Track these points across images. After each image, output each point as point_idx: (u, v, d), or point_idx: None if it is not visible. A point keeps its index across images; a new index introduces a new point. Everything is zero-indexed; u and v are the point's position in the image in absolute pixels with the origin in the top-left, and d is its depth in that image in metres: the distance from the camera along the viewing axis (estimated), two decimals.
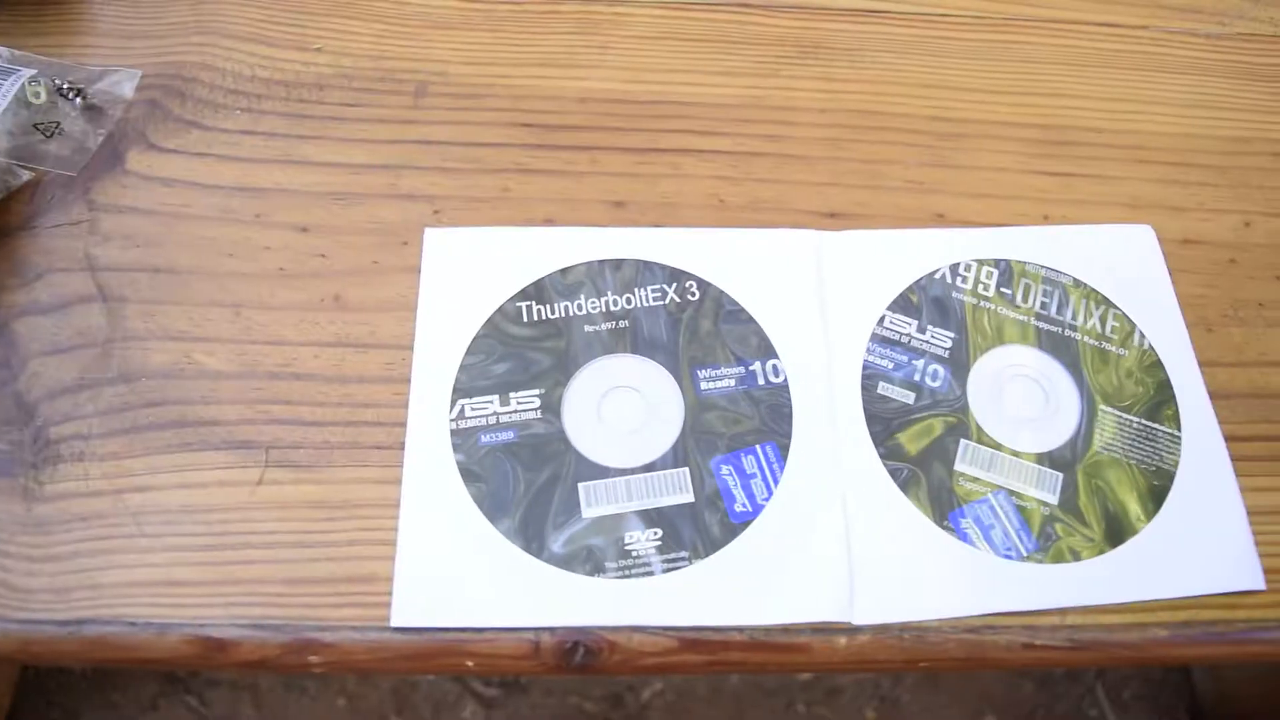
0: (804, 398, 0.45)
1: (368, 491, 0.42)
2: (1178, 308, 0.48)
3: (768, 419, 0.44)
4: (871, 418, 0.44)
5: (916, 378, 0.46)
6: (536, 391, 0.44)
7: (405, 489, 0.42)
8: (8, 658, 0.39)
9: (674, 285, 0.47)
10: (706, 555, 0.41)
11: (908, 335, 0.47)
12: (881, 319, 0.47)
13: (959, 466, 0.44)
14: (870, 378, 0.45)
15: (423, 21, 0.55)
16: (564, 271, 0.47)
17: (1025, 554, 0.42)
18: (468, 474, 0.42)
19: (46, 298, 0.46)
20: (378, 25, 0.55)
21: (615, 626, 0.40)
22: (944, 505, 0.43)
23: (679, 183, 0.50)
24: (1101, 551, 0.42)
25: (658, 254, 0.48)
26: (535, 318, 0.46)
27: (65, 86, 0.50)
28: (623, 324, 0.46)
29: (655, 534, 0.41)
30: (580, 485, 0.42)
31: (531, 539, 0.41)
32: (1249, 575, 0.42)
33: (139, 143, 0.50)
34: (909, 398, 0.45)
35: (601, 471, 0.43)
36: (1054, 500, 0.43)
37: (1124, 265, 0.49)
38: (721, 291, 0.47)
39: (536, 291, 0.46)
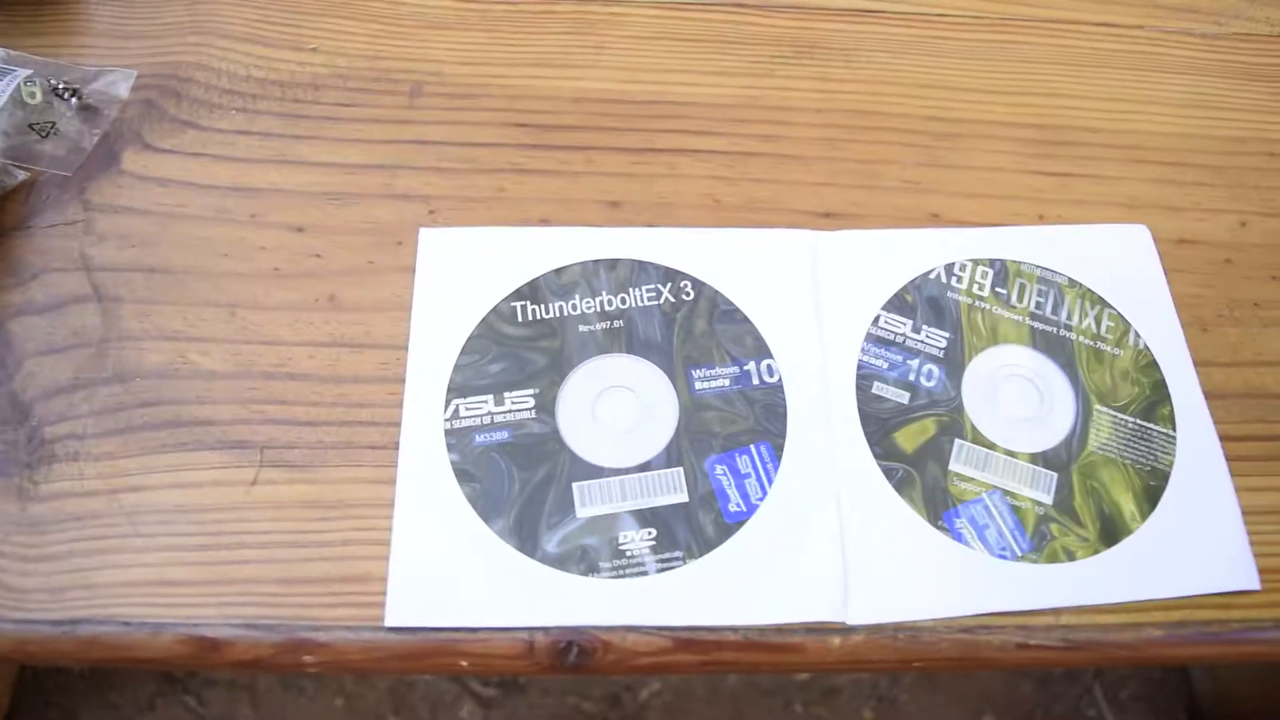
0: (799, 398, 0.45)
1: (362, 491, 0.42)
2: (1173, 308, 0.48)
3: (762, 419, 0.44)
4: (866, 417, 0.44)
5: (911, 377, 0.46)
6: (531, 391, 0.44)
7: (400, 489, 0.42)
8: (3, 657, 0.39)
9: (669, 285, 0.47)
10: (700, 555, 0.41)
11: (903, 335, 0.47)
12: (876, 319, 0.47)
13: (954, 466, 0.44)
14: (865, 377, 0.45)
15: (418, 21, 0.55)
16: (559, 271, 0.47)
17: (1020, 554, 0.42)
18: (462, 474, 0.42)
19: (42, 298, 0.46)
20: (373, 25, 0.55)
21: (609, 626, 0.40)
22: (938, 505, 0.43)
23: (674, 183, 0.50)
24: (1096, 551, 0.42)
25: (653, 254, 0.48)
26: (530, 317, 0.46)
27: (61, 86, 0.50)
28: (617, 324, 0.46)
29: (649, 534, 0.41)
30: (574, 485, 0.42)
31: (526, 539, 0.41)
32: (1244, 575, 0.42)
33: (134, 143, 0.50)
34: (904, 397, 0.45)
35: (596, 471, 0.43)
36: (1049, 500, 0.43)
37: (1119, 265, 0.49)
38: (716, 291, 0.47)
39: (531, 291, 0.46)
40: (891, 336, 0.46)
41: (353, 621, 0.39)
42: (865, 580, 0.41)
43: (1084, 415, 0.45)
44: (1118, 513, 0.43)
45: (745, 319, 0.46)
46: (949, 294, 0.48)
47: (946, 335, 0.47)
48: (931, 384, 0.46)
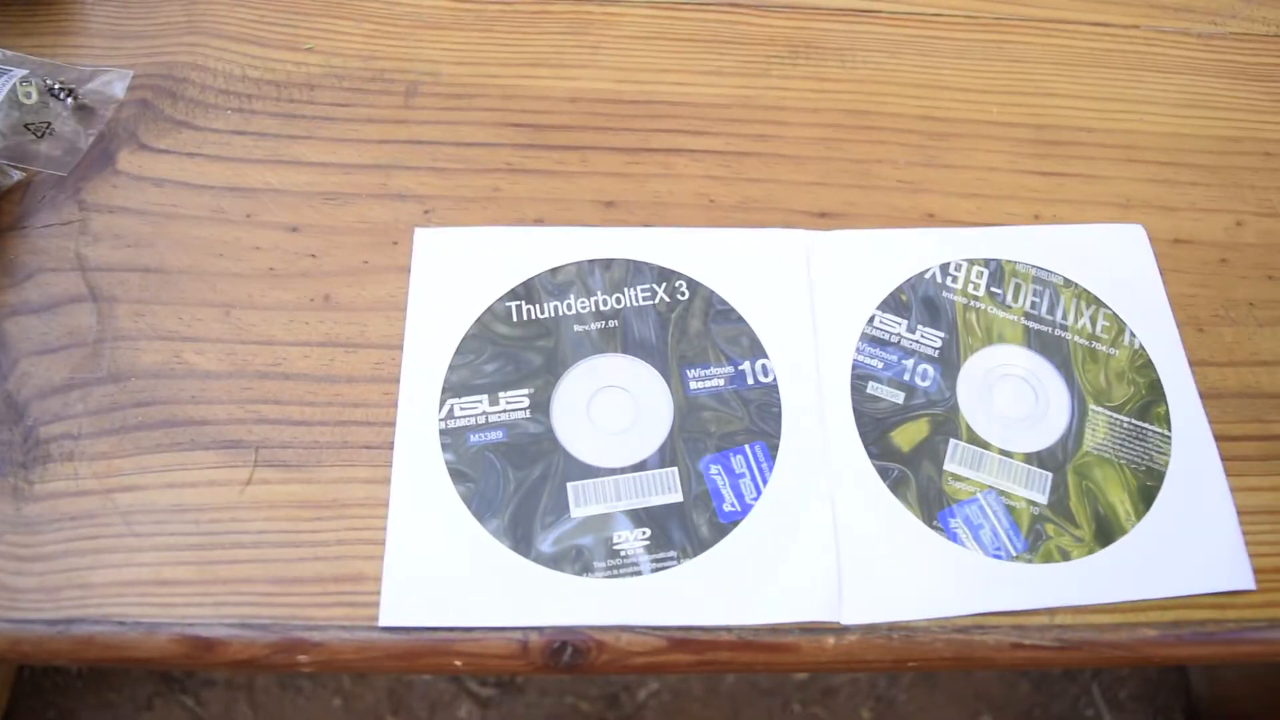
0: (793, 397, 0.45)
1: (356, 491, 0.42)
2: (1168, 307, 0.48)
3: (757, 419, 0.44)
4: (861, 417, 0.44)
5: (906, 377, 0.46)
6: (526, 391, 0.44)
7: (394, 489, 0.42)
8: None
9: (664, 285, 0.47)
10: (695, 555, 0.41)
11: (898, 335, 0.47)
12: (871, 319, 0.47)
13: (948, 466, 0.44)
14: (860, 377, 0.45)
15: (413, 21, 0.55)
16: (554, 271, 0.47)
17: (1014, 554, 0.42)
18: (456, 474, 0.42)
19: (37, 297, 0.46)
20: (368, 25, 0.55)
21: (603, 626, 0.40)
22: (933, 505, 0.43)
23: (669, 182, 0.50)
24: (1091, 551, 0.42)
25: (648, 254, 0.48)
26: (525, 317, 0.46)
27: (56, 86, 0.50)
28: (612, 324, 0.46)
29: (644, 534, 0.41)
30: (569, 485, 0.42)
31: (520, 539, 0.41)
32: (1239, 575, 0.42)
33: (130, 143, 0.50)
34: (899, 397, 0.45)
35: (590, 471, 0.43)
36: (1043, 500, 0.43)
37: (1115, 265, 0.49)
38: (711, 291, 0.47)
39: (526, 291, 0.46)
40: (886, 336, 0.46)
41: (347, 621, 0.39)
42: (860, 580, 0.41)
43: (1079, 415, 0.45)
44: (1113, 513, 0.43)
45: (740, 319, 0.46)
46: (944, 294, 0.48)
47: (941, 335, 0.47)
48: (926, 384, 0.46)
